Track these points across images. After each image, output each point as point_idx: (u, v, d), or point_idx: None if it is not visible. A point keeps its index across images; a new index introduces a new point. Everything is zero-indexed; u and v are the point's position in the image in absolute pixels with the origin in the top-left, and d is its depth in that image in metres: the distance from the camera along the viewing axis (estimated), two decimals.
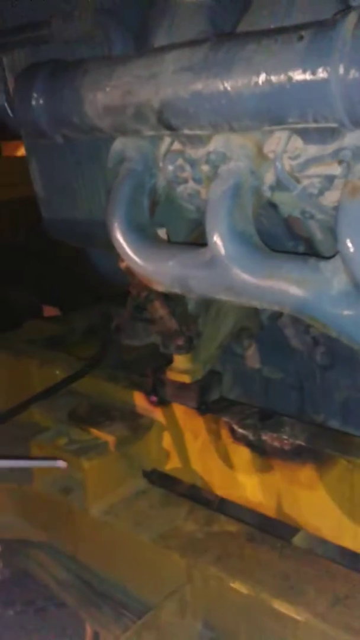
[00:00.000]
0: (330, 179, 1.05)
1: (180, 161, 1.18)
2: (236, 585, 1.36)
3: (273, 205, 1.24)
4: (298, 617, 1.28)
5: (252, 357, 1.89)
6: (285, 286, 1.06)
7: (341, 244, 0.98)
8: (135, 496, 1.65)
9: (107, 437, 1.64)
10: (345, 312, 1.00)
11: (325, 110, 0.91)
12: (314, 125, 0.95)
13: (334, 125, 0.94)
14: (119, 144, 1.27)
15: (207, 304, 1.59)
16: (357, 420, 1.73)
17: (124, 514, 1.60)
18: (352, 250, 0.96)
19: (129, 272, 1.34)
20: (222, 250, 1.12)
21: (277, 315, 1.77)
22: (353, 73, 0.86)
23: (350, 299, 1.00)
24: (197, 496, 1.72)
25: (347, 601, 1.31)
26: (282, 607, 1.30)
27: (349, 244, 0.97)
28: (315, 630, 1.26)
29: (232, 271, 1.11)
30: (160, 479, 1.76)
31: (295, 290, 1.05)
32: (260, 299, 1.11)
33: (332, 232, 1.19)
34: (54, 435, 1.67)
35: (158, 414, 1.66)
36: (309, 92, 0.91)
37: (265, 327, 1.78)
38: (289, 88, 0.92)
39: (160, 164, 1.23)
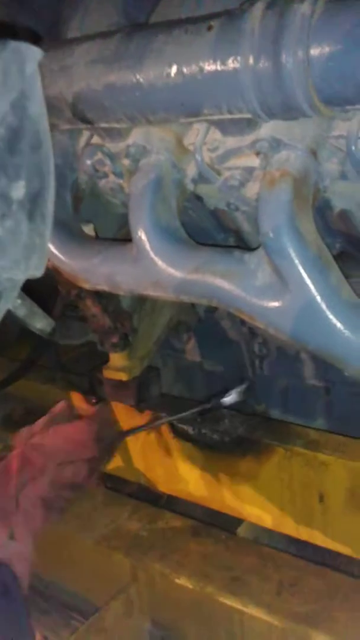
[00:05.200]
0: (250, 171, 1.04)
1: (99, 155, 1.15)
2: (181, 581, 1.36)
3: (199, 198, 1.22)
4: (243, 609, 1.29)
5: (192, 351, 1.88)
6: (211, 279, 1.05)
7: (263, 235, 0.97)
8: (78, 498, 1.63)
9: None
10: (270, 304, 1.00)
11: (238, 101, 0.90)
12: (228, 116, 0.94)
13: (248, 116, 0.93)
14: None
15: (142, 299, 1.57)
16: (296, 408, 1.75)
17: (67, 517, 1.57)
18: (273, 241, 0.96)
19: (55, 271, 1.31)
20: (147, 245, 1.10)
21: (213, 308, 1.76)
22: (263, 62, 0.85)
23: (275, 290, 0.99)
24: (144, 495, 1.71)
25: (292, 588, 1.33)
26: (227, 599, 1.31)
27: (270, 235, 0.96)
28: (260, 620, 1.27)
29: (157, 266, 1.09)
30: (105, 480, 1.74)
31: (221, 283, 1.04)
32: (188, 293, 1.10)
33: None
34: None
35: None
36: (221, 83, 0.89)
37: (202, 320, 1.78)
38: (201, 79, 0.90)
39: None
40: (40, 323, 0.86)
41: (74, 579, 1.58)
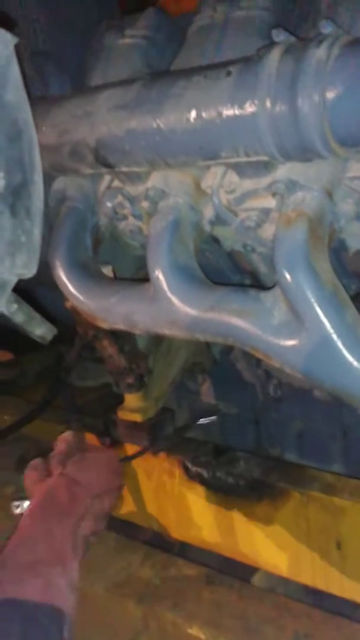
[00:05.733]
0: (266, 212, 1.06)
1: (119, 198, 1.19)
2: (193, 630, 1.32)
3: (215, 240, 1.25)
4: None
5: (207, 392, 1.88)
6: (227, 318, 1.06)
7: (279, 274, 0.99)
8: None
9: None
10: (287, 342, 1.00)
11: (255, 144, 0.93)
12: (246, 159, 0.97)
13: (265, 158, 0.96)
14: (59, 183, 1.27)
15: (158, 340, 1.58)
16: (312, 451, 1.72)
17: None
18: (289, 279, 0.97)
19: (74, 311, 1.33)
20: (164, 285, 1.11)
21: (229, 350, 1.77)
22: (279, 106, 0.88)
23: (291, 328, 1.00)
24: (157, 541, 1.67)
25: (307, 639, 1.28)
26: None
27: (286, 274, 0.97)
28: None
29: (174, 305, 1.11)
30: (118, 524, 1.71)
31: (237, 322, 1.05)
32: (204, 332, 1.11)
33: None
34: (1, 483, 1.61)
35: None
36: (239, 126, 0.92)
37: (218, 362, 1.77)
38: (219, 123, 0.94)
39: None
40: (40, 329, 0.81)
41: (84, 627, 1.53)
